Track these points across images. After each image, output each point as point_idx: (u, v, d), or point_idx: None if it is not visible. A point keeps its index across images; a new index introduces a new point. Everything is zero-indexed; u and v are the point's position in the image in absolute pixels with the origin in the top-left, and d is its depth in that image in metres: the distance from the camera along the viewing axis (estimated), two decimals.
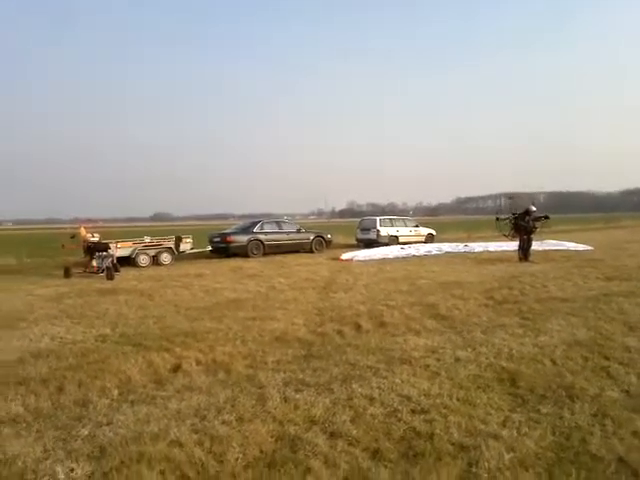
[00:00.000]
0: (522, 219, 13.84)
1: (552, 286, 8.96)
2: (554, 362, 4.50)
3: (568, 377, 4.10)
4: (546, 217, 14.37)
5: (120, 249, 14.49)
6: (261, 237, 16.86)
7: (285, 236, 17.70)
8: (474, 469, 2.68)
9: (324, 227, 33.03)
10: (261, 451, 2.93)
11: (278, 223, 18.24)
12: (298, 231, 18.37)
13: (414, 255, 16.35)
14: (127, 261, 14.56)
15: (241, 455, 2.88)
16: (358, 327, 6.10)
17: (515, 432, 3.12)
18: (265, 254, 16.83)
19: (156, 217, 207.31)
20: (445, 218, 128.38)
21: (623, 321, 6.01)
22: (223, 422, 3.36)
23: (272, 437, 3.11)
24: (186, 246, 16.25)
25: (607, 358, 4.59)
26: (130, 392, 4.04)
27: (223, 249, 16.76)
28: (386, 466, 2.74)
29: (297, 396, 3.81)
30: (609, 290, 8.32)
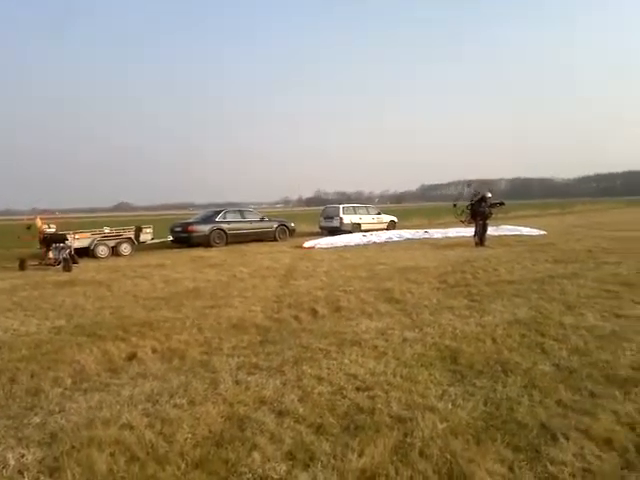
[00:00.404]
0: (478, 205, 14.29)
1: (502, 269, 9.35)
2: (494, 340, 4.79)
3: (505, 353, 4.38)
4: (501, 203, 14.90)
5: (78, 240, 14.20)
6: (224, 226, 16.80)
7: (248, 225, 17.68)
8: (409, 439, 2.89)
9: (290, 215, 33.12)
10: (210, 431, 3.06)
11: (241, 212, 18.17)
12: (261, 220, 18.36)
13: (375, 242, 16.65)
14: (86, 252, 14.29)
15: (190, 435, 3.00)
16: (314, 312, 6.27)
17: (450, 404, 3.35)
18: (228, 243, 16.79)
19: (119, 207, 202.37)
20: (410, 205, 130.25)
21: (563, 301, 6.39)
22: (175, 406, 3.47)
23: (222, 418, 3.25)
24: (146, 236, 16.06)
25: (543, 335, 4.91)
26: (84, 381, 4.09)
27: (185, 239, 16.62)
28: (328, 439, 2.91)
29: (249, 379, 3.95)
30: (555, 272, 8.76)
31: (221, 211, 17.44)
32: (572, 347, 4.50)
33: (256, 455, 2.74)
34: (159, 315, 6.42)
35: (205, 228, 16.53)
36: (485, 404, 3.36)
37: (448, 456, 2.68)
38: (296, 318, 6.00)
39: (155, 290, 8.48)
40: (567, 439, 2.84)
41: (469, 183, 16.55)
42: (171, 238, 17.31)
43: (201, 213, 18.82)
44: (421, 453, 2.73)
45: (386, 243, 16.57)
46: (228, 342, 5.06)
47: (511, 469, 2.56)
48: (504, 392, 3.54)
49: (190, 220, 17.66)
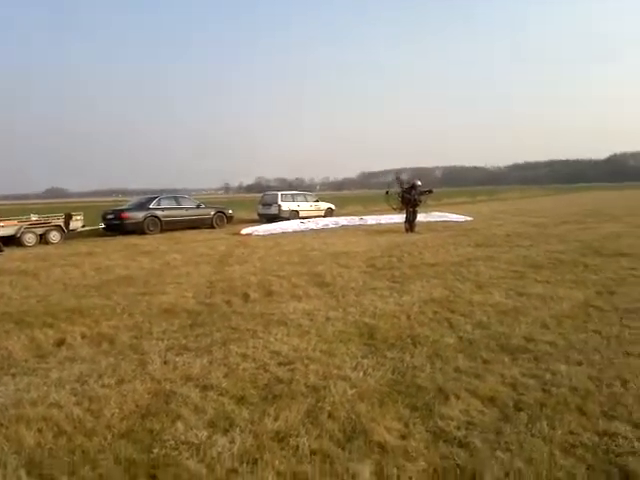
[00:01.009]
0: (408, 193, 14.94)
1: (427, 253, 9.96)
2: (409, 317, 5.23)
3: (417, 328, 4.83)
4: (430, 191, 15.64)
5: (3, 228, 13.62)
6: (158, 213, 16.53)
7: (184, 212, 17.48)
8: (320, 404, 3.21)
9: (229, 202, 32.82)
10: (137, 406, 3.26)
11: (176, 199, 17.93)
12: (198, 207, 18.20)
13: (312, 229, 17.00)
14: (12, 241, 13.71)
15: (117, 410, 3.18)
16: (246, 297, 6.50)
17: (362, 374, 3.71)
18: (163, 230, 16.55)
19: (50, 193, 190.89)
20: (349, 193, 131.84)
21: (475, 281, 6.98)
22: (103, 385, 3.62)
23: (149, 394, 3.44)
24: (77, 224, 15.58)
25: (453, 312, 5.41)
26: (11, 366, 4.12)
27: (117, 226, 16.22)
28: (248, 408, 3.19)
29: (177, 359, 4.14)
30: (473, 255, 9.45)
31: (155, 198, 17.15)
32: (476, 321, 5.02)
33: (179, 424, 2.97)
34: (89, 302, 6.42)
35: (139, 215, 16.21)
36: (393, 372, 3.75)
37: (353, 417, 3.03)
38: (228, 302, 6.21)
39: (85, 278, 8.38)
40: (458, 398, 3.27)
41: (399, 172, 17.18)
42: (103, 226, 16.85)
43: (135, 200, 18.41)
44: (330, 415, 3.06)
45: (322, 230, 16.96)
46: (158, 326, 5.20)
47: (406, 425, 2.94)
48: (411, 362, 3.95)
49: (123, 207, 17.23)
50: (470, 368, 3.79)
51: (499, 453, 2.61)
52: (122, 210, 16.54)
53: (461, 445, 2.71)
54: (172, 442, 2.78)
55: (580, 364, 3.82)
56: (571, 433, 2.79)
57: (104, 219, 16.86)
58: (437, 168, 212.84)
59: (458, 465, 2.52)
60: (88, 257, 11.19)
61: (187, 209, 17.67)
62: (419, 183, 15.28)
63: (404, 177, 16.20)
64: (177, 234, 16.20)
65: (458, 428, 2.90)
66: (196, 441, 2.78)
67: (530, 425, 2.89)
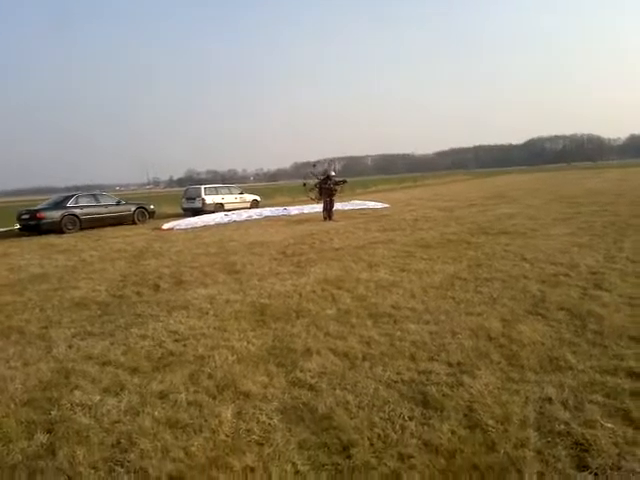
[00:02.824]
0: (324, 183, 15.71)
1: (337, 239, 10.75)
2: (300, 295, 5.92)
3: (304, 304, 5.51)
4: (344, 181, 16.51)
5: None
6: (76, 211, 16.29)
7: (103, 209, 17.31)
8: (203, 368, 3.81)
9: (155, 198, 32.41)
10: (40, 381, 3.71)
11: (95, 196, 17.69)
12: (118, 203, 18.05)
13: (235, 221, 17.40)
14: None
15: (21, 386, 3.63)
16: (157, 287, 6.94)
17: (245, 343, 4.34)
18: (82, 229, 16.34)
19: None
20: (283, 183, 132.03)
21: (368, 262, 7.81)
22: (9, 367, 4.02)
23: (51, 372, 3.89)
24: None
25: (340, 288, 6.16)
26: None
27: (34, 226, 15.81)
28: (139, 376, 3.73)
29: (81, 343, 4.59)
30: (376, 239, 10.35)
31: (72, 196, 16.88)
32: (356, 295, 5.78)
33: (77, 392, 3.48)
34: (1, 300, 6.62)
35: (56, 214, 15.91)
36: (273, 340, 4.40)
37: (229, 376, 3.65)
38: (138, 293, 6.63)
39: None
40: (319, 355, 3.97)
41: (314, 163, 17.95)
42: (19, 226, 16.41)
43: (52, 198, 17.99)
44: (209, 376, 3.67)
45: (246, 221, 17.42)
46: (68, 318, 5.56)
47: (271, 378, 3.60)
48: (291, 331, 4.63)
49: (39, 207, 16.81)
50: (338, 332, 4.52)
51: (337, 391, 3.33)
52: (38, 210, 16.14)
53: (310, 388, 3.41)
54: (68, 405, 3.29)
55: (427, 323, 4.65)
56: (397, 373, 3.56)
57: (19, 220, 16.39)
58: (369, 157, 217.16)
59: (303, 402, 3.21)
60: (2, 258, 11.06)
61: (107, 206, 17.50)
62: (333, 173, 16.13)
63: (319, 168, 16.92)
64: (96, 232, 16.06)
65: (312, 377, 3.59)
66: (89, 403, 3.30)
67: (369, 370, 3.64)
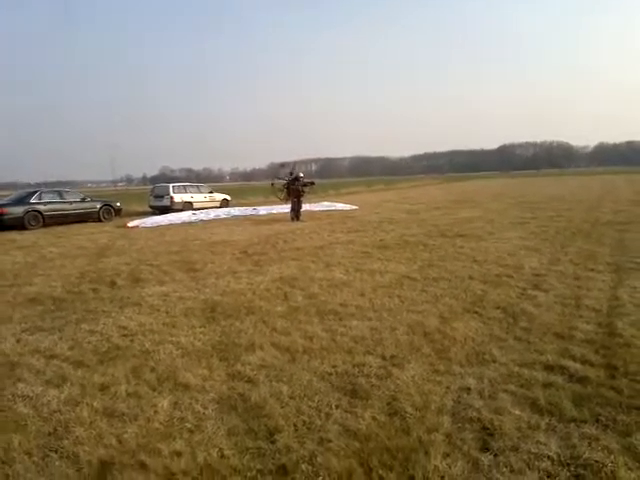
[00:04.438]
0: (292, 184, 15.88)
1: (300, 240, 10.92)
2: (254, 293, 6.07)
3: (256, 301, 5.66)
4: (312, 183, 16.71)
5: None
6: (40, 208, 16.01)
7: (68, 206, 17.06)
8: (147, 362, 3.93)
9: (124, 195, 32.00)
10: None
11: (59, 192, 17.40)
12: (83, 200, 17.81)
13: (202, 220, 17.37)
14: None
15: None
16: (113, 284, 6.98)
17: (192, 338, 4.46)
18: (46, 225, 16.07)
19: None
20: (258, 184, 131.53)
21: (326, 261, 8.00)
22: None
23: None
24: None
25: (293, 287, 6.33)
26: None
27: None
28: (82, 369, 3.83)
29: (30, 338, 4.64)
30: (338, 240, 10.56)
31: (36, 192, 16.60)
32: (308, 293, 5.96)
33: (20, 384, 3.56)
34: None
35: (18, 210, 15.62)
36: (220, 336, 4.53)
37: (171, 369, 3.78)
38: (94, 290, 6.66)
39: None
40: (262, 350, 4.13)
41: (283, 164, 18.11)
42: None
43: (14, 194, 17.66)
44: (152, 369, 3.79)
45: (213, 220, 17.42)
46: (20, 313, 5.58)
47: (211, 371, 3.74)
48: (239, 327, 4.77)
49: (1, 202, 16.46)
50: (284, 328, 4.68)
51: (274, 383, 3.49)
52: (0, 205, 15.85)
53: (249, 381, 3.56)
54: (10, 396, 3.37)
55: (370, 320, 4.86)
56: (333, 366, 3.75)
57: None
58: (345, 158, 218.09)
59: (239, 393, 3.36)
60: None
61: (71, 203, 17.25)
62: (302, 175, 16.30)
63: (287, 170, 17.08)
64: (60, 228, 15.82)
65: (252, 370, 3.75)
66: (31, 394, 3.39)
67: (306, 364, 3.82)
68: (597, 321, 4.62)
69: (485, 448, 2.65)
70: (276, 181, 16.98)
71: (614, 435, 2.72)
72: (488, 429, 2.81)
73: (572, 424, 2.84)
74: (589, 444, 2.64)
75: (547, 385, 3.33)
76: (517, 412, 2.98)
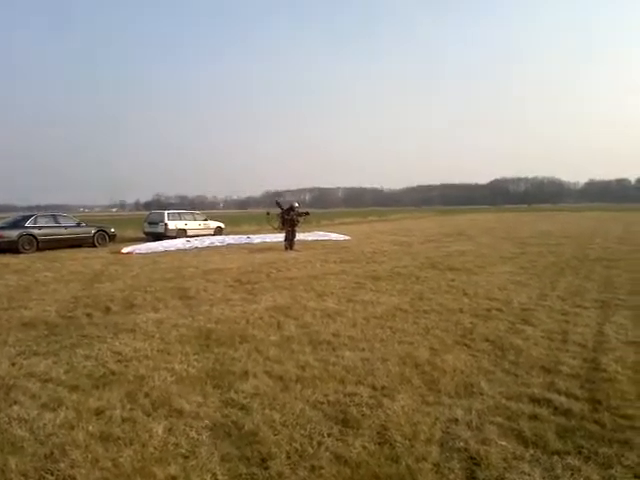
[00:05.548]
0: (287, 214, 16.09)
1: (294, 269, 11.03)
2: (247, 321, 6.15)
3: (250, 330, 5.74)
4: (307, 213, 16.95)
5: None
6: (34, 232, 16.05)
7: (63, 230, 17.11)
8: (141, 388, 3.99)
9: (119, 221, 32.06)
10: None
11: (54, 217, 17.48)
12: (78, 225, 17.90)
13: (197, 247, 17.46)
14: None
15: None
16: (108, 310, 7.03)
17: (186, 365, 4.53)
18: (40, 249, 16.08)
19: None
20: (252, 211, 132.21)
21: (319, 291, 8.11)
22: None
23: None
24: None
25: (287, 316, 6.42)
26: None
27: None
28: (78, 393, 3.88)
29: (24, 362, 4.68)
30: (331, 270, 10.69)
31: (31, 216, 16.68)
32: (302, 323, 6.05)
33: (15, 407, 3.60)
34: None
35: (13, 234, 15.65)
36: (214, 363, 4.60)
37: (165, 395, 3.84)
38: (88, 315, 6.70)
39: None
40: (255, 378, 4.21)
41: (279, 194, 18.40)
42: None
43: (10, 218, 17.73)
44: (146, 395, 3.85)
45: (207, 248, 17.51)
46: (14, 337, 5.61)
47: (206, 397, 3.81)
48: (233, 355, 4.84)
49: None
50: (277, 357, 4.77)
51: (267, 411, 3.56)
52: None
53: (242, 408, 3.63)
54: (6, 419, 3.42)
55: (362, 350, 4.96)
56: (325, 395, 3.83)
57: None
58: (339, 189, 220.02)
59: (232, 420, 3.43)
60: None
61: (66, 227, 17.32)
62: (297, 205, 16.54)
63: (281, 199, 17.34)
64: (55, 253, 15.83)
65: (245, 397, 3.82)
66: (27, 417, 3.44)
67: (299, 392, 3.90)
68: (583, 356, 4.74)
69: (472, 477, 2.73)
70: (271, 210, 17.17)
71: (595, 467, 2.81)
72: (475, 459, 2.90)
73: (556, 456, 2.93)
74: (571, 475, 2.73)
75: (533, 417, 3.43)
76: (503, 443, 3.07)
